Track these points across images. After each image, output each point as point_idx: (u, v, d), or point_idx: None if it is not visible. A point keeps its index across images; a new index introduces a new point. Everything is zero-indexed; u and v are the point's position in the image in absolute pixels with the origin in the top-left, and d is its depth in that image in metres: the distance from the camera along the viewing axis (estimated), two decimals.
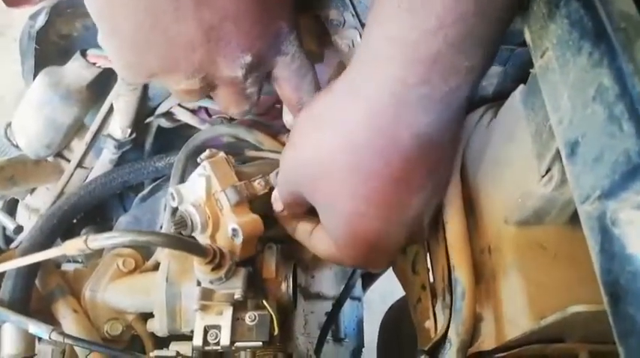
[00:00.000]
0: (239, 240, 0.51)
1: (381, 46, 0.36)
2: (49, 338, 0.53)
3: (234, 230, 0.51)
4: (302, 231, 0.52)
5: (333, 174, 0.42)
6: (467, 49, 0.33)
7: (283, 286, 0.58)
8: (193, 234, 0.54)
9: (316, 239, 0.50)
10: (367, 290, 0.95)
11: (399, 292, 0.85)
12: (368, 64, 0.37)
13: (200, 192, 0.53)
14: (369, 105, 0.38)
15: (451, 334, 0.42)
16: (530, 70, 0.38)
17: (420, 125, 0.37)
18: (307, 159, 0.43)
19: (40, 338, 0.59)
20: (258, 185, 0.54)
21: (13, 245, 0.76)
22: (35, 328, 0.53)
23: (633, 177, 0.23)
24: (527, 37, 0.33)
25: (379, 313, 0.96)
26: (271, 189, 0.54)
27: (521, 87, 0.42)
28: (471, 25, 0.32)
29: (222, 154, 0.55)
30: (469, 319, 0.42)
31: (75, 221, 0.73)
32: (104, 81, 0.66)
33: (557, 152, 0.36)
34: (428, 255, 0.56)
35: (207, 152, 0.55)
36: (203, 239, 0.54)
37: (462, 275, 0.43)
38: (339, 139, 0.40)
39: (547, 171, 0.38)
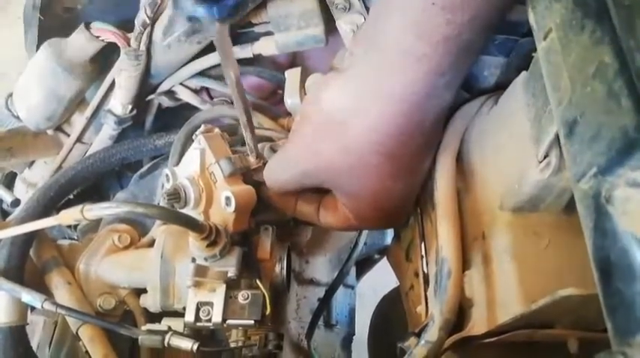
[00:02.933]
0: (231, 208, 0.51)
1: (411, 45, 0.38)
2: (42, 307, 0.53)
3: (227, 198, 0.51)
4: (306, 211, 0.54)
5: (360, 165, 0.44)
6: (481, 33, 0.38)
7: (277, 267, 0.58)
8: (185, 210, 0.54)
9: (327, 215, 0.53)
10: (360, 280, 0.95)
11: (391, 285, 0.85)
12: (395, 63, 0.39)
13: (195, 166, 0.53)
14: (402, 99, 0.40)
15: (435, 312, 0.42)
16: (533, 54, 0.38)
17: (442, 105, 0.42)
18: (332, 159, 0.45)
19: (32, 309, 0.60)
20: (251, 158, 0.54)
21: (9, 218, 0.76)
22: (28, 297, 0.54)
23: (629, 152, 0.23)
24: (532, 18, 0.33)
25: (371, 305, 0.96)
26: (264, 163, 0.54)
27: (523, 73, 0.43)
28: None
29: (217, 130, 0.55)
30: (454, 298, 0.42)
31: (71, 197, 0.73)
32: (107, 55, 0.66)
33: (556, 137, 0.36)
34: (422, 242, 0.56)
35: (202, 127, 0.55)
36: (196, 215, 0.54)
37: (448, 255, 0.44)
38: (368, 134, 0.42)
39: (545, 157, 0.38)
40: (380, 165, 0.44)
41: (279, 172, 0.51)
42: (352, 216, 0.50)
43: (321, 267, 0.75)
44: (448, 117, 0.48)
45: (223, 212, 0.52)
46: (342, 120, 0.43)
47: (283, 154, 0.51)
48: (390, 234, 0.82)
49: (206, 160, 0.53)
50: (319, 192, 0.53)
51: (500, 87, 0.51)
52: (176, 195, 0.52)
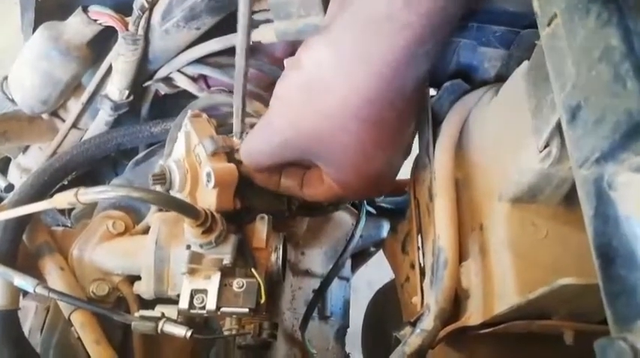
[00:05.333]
0: (211, 184, 0.50)
1: (399, 12, 0.38)
2: (34, 291, 0.52)
3: (207, 174, 0.50)
4: (289, 184, 0.53)
5: (341, 131, 0.43)
6: (462, 8, 0.39)
7: (273, 256, 0.58)
8: (172, 193, 0.54)
9: (311, 186, 0.52)
10: (355, 274, 0.95)
11: (385, 279, 0.85)
12: (381, 27, 0.39)
13: (181, 149, 0.53)
14: (384, 64, 0.40)
15: (430, 301, 0.42)
16: (536, 42, 0.38)
17: (419, 74, 0.42)
18: (313, 124, 0.44)
19: (25, 294, 0.59)
20: (235, 138, 0.54)
21: (2, 203, 0.75)
22: (20, 281, 0.53)
23: (634, 136, 0.23)
24: (535, 4, 0.32)
25: (366, 299, 0.96)
26: None
27: (524, 63, 0.42)
28: None
29: (204, 115, 0.55)
30: (450, 287, 0.42)
31: (66, 183, 0.73)
32: (104, 39, 0.65)
33: (557, 126, 0.36)
34: (419, 233, 0.56)
35: (189, 113, 0.55)
36: (183, 198, 0.54)
37: (445, 245, 0.43)
38: (349, 97, 0.42)
39: (545, 147, 0.38)
40: (360, 131, 0.43)
41: (258, 144, 0.50)
42: (337, 185, 0.49)
43: (316, 259, 0.75)
44: (449, 106, 0.48)
45: (207, 192, 0.51)
46: (323, 79, 0.42)
47: (263, 123, 0.49)
48: (386, 226, 0.82)
49: (191, 142, 0.53)
50: (302, 167, 0.52)
51: (500, 79, 0.51)
52: (161, 177, 0.52)
